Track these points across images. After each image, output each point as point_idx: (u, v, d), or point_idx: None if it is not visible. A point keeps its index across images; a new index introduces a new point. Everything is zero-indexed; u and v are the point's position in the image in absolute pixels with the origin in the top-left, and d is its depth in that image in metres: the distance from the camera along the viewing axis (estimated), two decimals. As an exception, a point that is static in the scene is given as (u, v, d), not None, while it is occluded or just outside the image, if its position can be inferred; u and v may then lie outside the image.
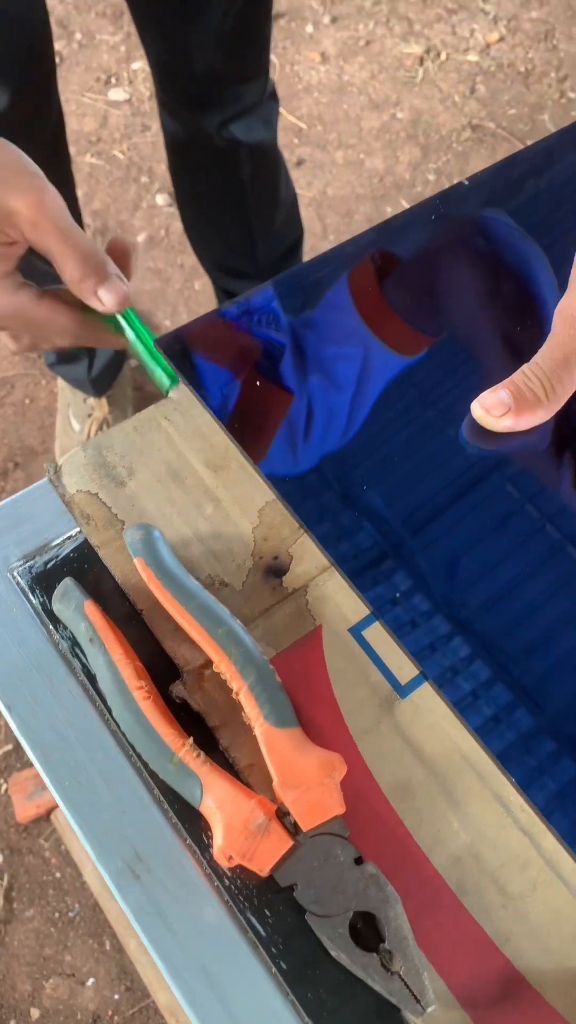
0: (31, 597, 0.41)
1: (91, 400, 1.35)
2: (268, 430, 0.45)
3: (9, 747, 1.19)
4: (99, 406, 1.34)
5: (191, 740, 0.36)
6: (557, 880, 0.36)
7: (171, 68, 0.99)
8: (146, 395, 1.42)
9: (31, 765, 1.17)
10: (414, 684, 0.39)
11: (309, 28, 1.93)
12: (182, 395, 0.45)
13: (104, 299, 0.46)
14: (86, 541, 0.42)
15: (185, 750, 0.35)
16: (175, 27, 0.92)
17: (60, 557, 0.42)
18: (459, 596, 0.40)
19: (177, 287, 1.59)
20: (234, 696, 0.37)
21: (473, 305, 0.49)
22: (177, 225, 1.63)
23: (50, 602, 0.40)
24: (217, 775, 0.35)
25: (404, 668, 0.39)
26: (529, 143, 1.67)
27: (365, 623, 0.40)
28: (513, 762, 0.37)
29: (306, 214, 1.65)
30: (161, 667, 0.39)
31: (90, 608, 0.38)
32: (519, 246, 0.52)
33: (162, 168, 1.71)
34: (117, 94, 1.80)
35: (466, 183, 0.53)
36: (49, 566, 0.42)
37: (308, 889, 0.34)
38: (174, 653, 0.39)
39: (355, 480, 0.43)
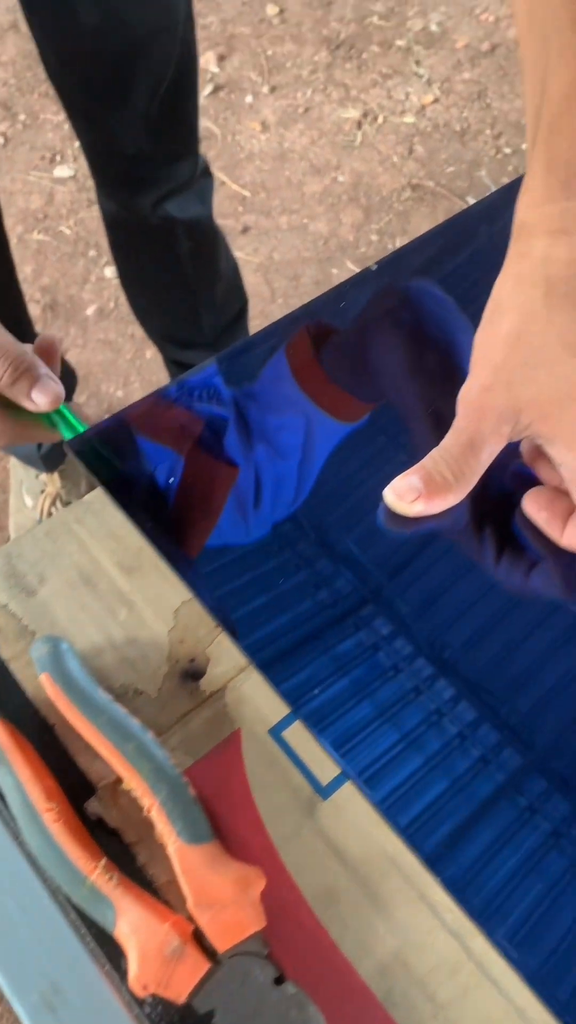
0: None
1: (43, 476, 1.34)
2: (216, 502, 0.45)
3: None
4: (52, 482, 1.33)
5: (103, 862, 0.35)
6: (488, 984, 0.35)
7: (102, 151, 1.01)
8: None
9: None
10: (336, 784, 0.38)
11: (249, 98, 1.97)
12: (95, 496, 0.45)
13: (37, 400, 0.47)
14: (-1, 653, 0.41)
15: (97, 873, 0.34)
16: (102, 112, 0.94)
17: (-27, 671, 0.41)
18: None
19: (128, 357, 1.60)
20: (146, 813, 0.36)
21: (402, 375, 0.50)
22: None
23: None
24: (131, 898, 0.34)
25: (325, 768, 0.39)
26: (469, 199, 1.70)
27: (285, 723, 0.39)
28: (442, 863, 0.36)
29: (254, 279, 1.68)
30: (78, 782, 0.38)
31: (-1, 727, 0.37)
32: (444, 316, 0.53)
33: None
34: (62, 171, 1.83)
35: (374, 268, 0.54)
36: (-38, 681, 0.41)
37: (227, 1015, 0.33)
38: (87, 769, 0.38)
39: (307, 546, 0.43)
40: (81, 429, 0.47)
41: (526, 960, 0.34)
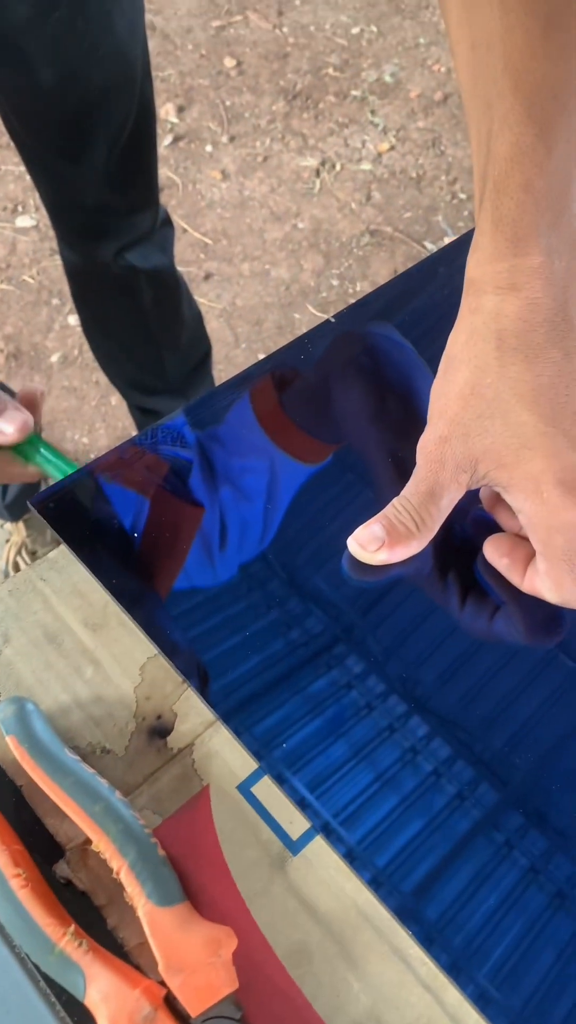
0: None
1: (8, 525, 1.33)
2: (182, 544, 0.45)
3: None
4: (17, 531, 1.33)
5: (72, 928, 0.34)
6: (463, 1037, 0.35)
7: (62, 204, 1.02)
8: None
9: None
10: (306, 839, 0.38)
11: (209, 148, 2.00)
12: (59, 553, 0.45)
13: (4, 430, 0.47)
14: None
15: (66, 940, 0.34)
16: (62, 167, 0.95)
17: None
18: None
19: (93, 404, 1.60)
20: (115, 876, 0.35)
21: (364, 419, 0.51)
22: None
23: None
24: (101, 964, 0.34)
25: (295, 823, 0.39)
26: (426, 243, 1.73)
27: (254, 779, 0.39)
28: (413, 914, 0.36)
29: (217, 325, 1.69)
30: (46, 844, 0.37)
31: (-36, 792, 0.37)
32: (402, 360, 0.54)
33: (72, 289, 1.74)
34: (24, 221, 1.84)
35: (332, 320, 0.55)
36: None
37: None
38: (56, 831, 0.37)
39: (275, 588, 0.43)
40: (54, 457, 0.48)
41: (508, 1000, 0.34)
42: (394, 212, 1.89)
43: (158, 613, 0.43)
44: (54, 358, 1.65)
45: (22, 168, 1.90)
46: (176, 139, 2.01)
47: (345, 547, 0.44)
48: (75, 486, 0.47)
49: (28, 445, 0.49)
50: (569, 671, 0.43)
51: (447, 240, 1.80)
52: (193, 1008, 0.33)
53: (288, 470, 0.48)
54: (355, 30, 2.26)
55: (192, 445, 0.49)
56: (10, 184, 1.90)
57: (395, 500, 0.43)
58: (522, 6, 0.37)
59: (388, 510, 0.43)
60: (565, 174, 0.39)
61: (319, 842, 0.38)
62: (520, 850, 0.38)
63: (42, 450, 0.49)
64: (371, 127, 2.06)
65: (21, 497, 1.31)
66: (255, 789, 0.39)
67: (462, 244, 0.42)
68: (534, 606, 0.43)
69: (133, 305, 1.14)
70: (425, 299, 0.57)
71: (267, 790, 0.39)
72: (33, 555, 1.34)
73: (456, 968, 0.35)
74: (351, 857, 0.37)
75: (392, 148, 2.02)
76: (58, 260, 1.77)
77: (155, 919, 0.34)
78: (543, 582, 0.41)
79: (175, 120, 2.04)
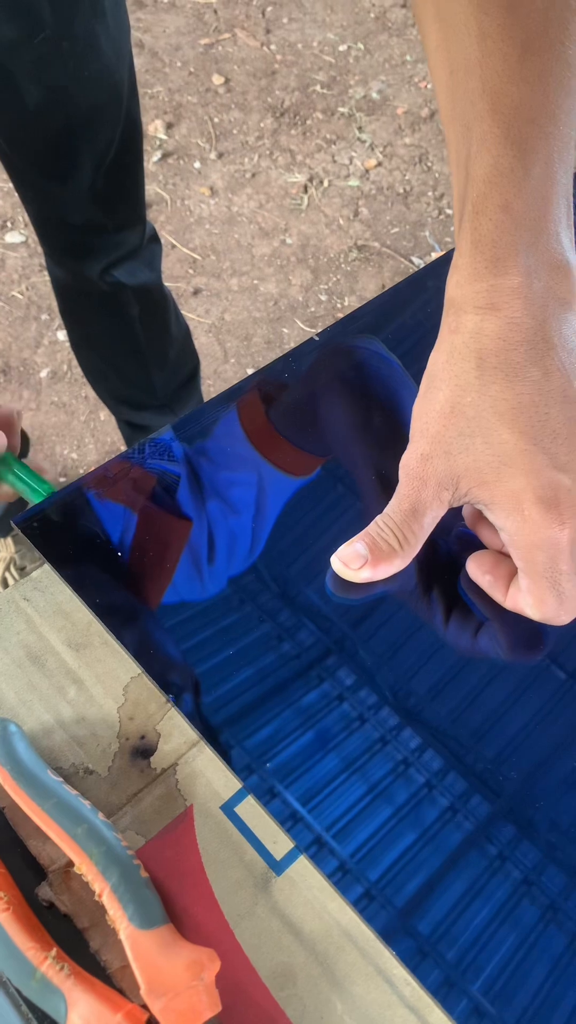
0: None
1: (-3, 542, 1.33)
2: (170, 560, 0.45)
3: None
4: (5, 547, 1.32)
5: (54, 952, 0.34)
6: (447, 1058, 0.35)
7: (49, 221, 1.03)
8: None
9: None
10: (290, 859, 0.38)
11: (197, 164, 2.01)
12: (43, 573, 0.45)
13: None
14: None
15: (48, 964, 0.34)
16: (49, 185, 0.96)
17: None
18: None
19: (82, 419, 1.60)
20: (97, 898, 0.35)
21: (350, 433, 0.51)
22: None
23: None
24: (83, 988, 0.33)
25: (279, 843, 0.38)
26: (414, 258, 1.75)
27: (237, 799, 0.39)
28: (400, 933, 0.36)
29: (206, 340, 1.70)
30: (28, 866, 0.37)
31: (-54, 814, 0.36)
32: (389, 375, 0.54)
33: (61, 305, 1.74)
34: (13, 237, 1.85)
35: (316, 338, 0.55)
36: None
37: None
38: (38, 853, 0.37)
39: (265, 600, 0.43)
40: (28, 477, 0.48)
41: (503, 1015, 0.34)
42: (382, 227, 1.91)
43: (143, 631, 0.43)
44: (43, 373, 1.65)
45: (10, 184, 1.90)
46: (164, 156, 2.02)
47: (329, 567, 0.44)
48: (59, 505, 0.47)
49: (1, 465, 0.49)
50: (560, 682, 0.43)
51: (434, 255, 1.82)
52: (175, 1032, 0.33)
53: (276, 483, 0.49)
54: (342, 47, 2.28)
55: (180, 460, 0.49)
56: (-1, 200, 1.91)
57: (378, 518, 0.44)
58: (499, 32, 0.38)
59: (371, 528, 0.43)
60: (543, 195, 0.40)
61: (303, 862, 0.38)
62: (513, 862, 0.38)
63: (16, 470, 0.49)
64: (358, 143, 2.07)
65: (8, 514, 1.31)
66: (239, 809, 0.39)
67: (449, 259, 0.43)
68: (517, 623, 0.44)
69: (121, 321, 1.14)
70: (413, 314, 0.58)
71: (251, 810, 0.39)
72: (22, 571, 1.33)
73: (449, 983, 0.35)
74: (344, 871, 0.37)
75: (379, 164, 2.03)
76: (47, 276, 1.78)
77: (137, 942, 0.34)
78: (525, 599, 0.41)
79: (163, 137, 2.05)
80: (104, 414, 1.59)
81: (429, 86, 2.18)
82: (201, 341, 1.66)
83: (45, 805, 0.36)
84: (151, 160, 1.99)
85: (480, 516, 0.45)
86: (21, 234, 1.85)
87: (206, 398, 1.42)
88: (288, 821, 0.38)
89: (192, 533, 0.46)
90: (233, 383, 0.53)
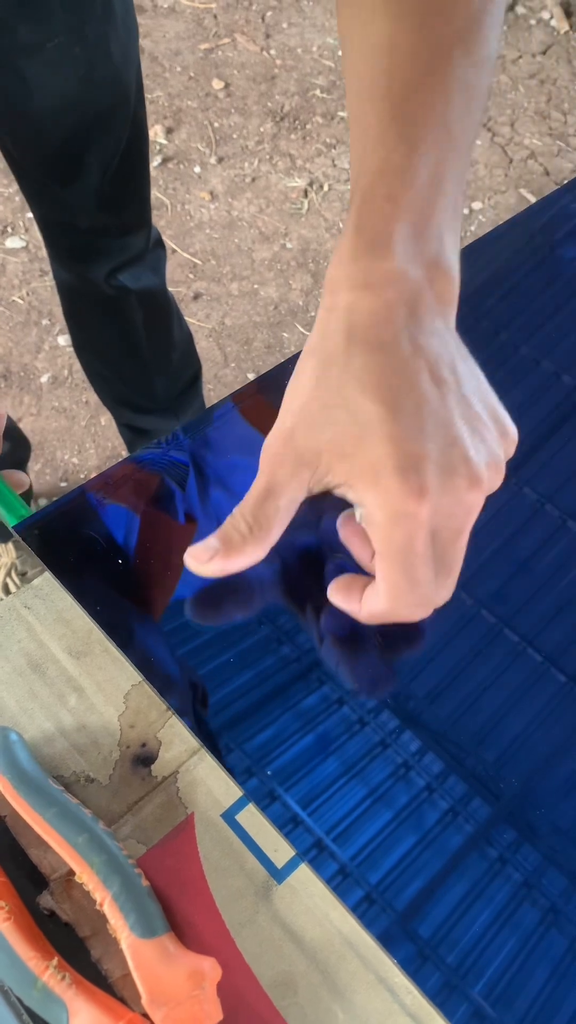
0: None
1: (-2, 547, 1.33)
2: (174, 564, 0.45)
3: None
4: (6, 552, 1.32)
5: (56, 961, 0.34)
6: (449, 1067, 0.34)
7: (56, 225, 1.03)
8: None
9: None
10: (291, 867, 0.38)
11: (197, 169, 2.02)
12: (43, 581, 0.45)
13: None
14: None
15: (49, 973, 0.33)
16: (56, 188, 0.96)
17: None
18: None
19: (83, 424, 1.61)
20: (98, 907, 0.35)
21: None
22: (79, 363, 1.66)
23: None
24: (84, 998, 0.33)
25: (280, 851, 0.38)
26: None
27: (238, 807, 0.39)
28: (400, 938, 0.36)
29: (206, 344, 1.70)
30: (30, 875, 0.37)
31: (-53, 823, 0.37)
32: None
33: (61, 311, 1.74)
34: (14, 242, 1.85)
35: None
36: None
37: None
38: (39, 862, 0.37)
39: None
40: (4, 495, 0.48)
41: (503, 1018, 0.34)
42: (382, 231, 1.91)
43: (146, 639, 0.43)
44: (44, 378, 1.65)
45: (11, 190, 1.91)
46: (165, 160, 2.03)
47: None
48: (60, 511, 0.47)
49: None
50: (560, 685, 0.43)
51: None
52: (177, 1041, 0.33)
53: None
54: (341, 52, 2.28)
55: (184, 463, 0.49)
56: (-1, 205, 1.91)
57: (235, 508, 0.42)
58: (409, 47, 0.42)
59: (226, 521, 0.42)
60: (429, 196, 0.40)
61: (304, 870, 0.38)
62: (513, 865, 0.38)
63: None
64: (358, 148, 2.07)
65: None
66: (240, 817, 0.39)
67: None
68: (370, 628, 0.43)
69: (125, 325, 1.14)
70: None
71: (252, 818, 0.39)
72: (23, 576, 1.33)
73: (450, 986, 0.35)
74: (344, 874, 0.37)
75: (379, 168, 2.03)
76: (48, 281, 1.78)
77: (138, 951, 0.34)
78: (376, 588, 0.39)
79: (164, 141, 2.06)
80: (105, 419, 1.59)
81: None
82: (201, 345, 1.66)
83: (46, 814, 0.36)
84: (151, 165, 1.99)
85: (352, 528, 0.43)
86: (21, 239, 1.85)
87: (208, 403, 1.42)
88: (288, 825, 0.38)
89: (198, 536, 0.46)
90: (233, 388, 0.53)
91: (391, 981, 0.36)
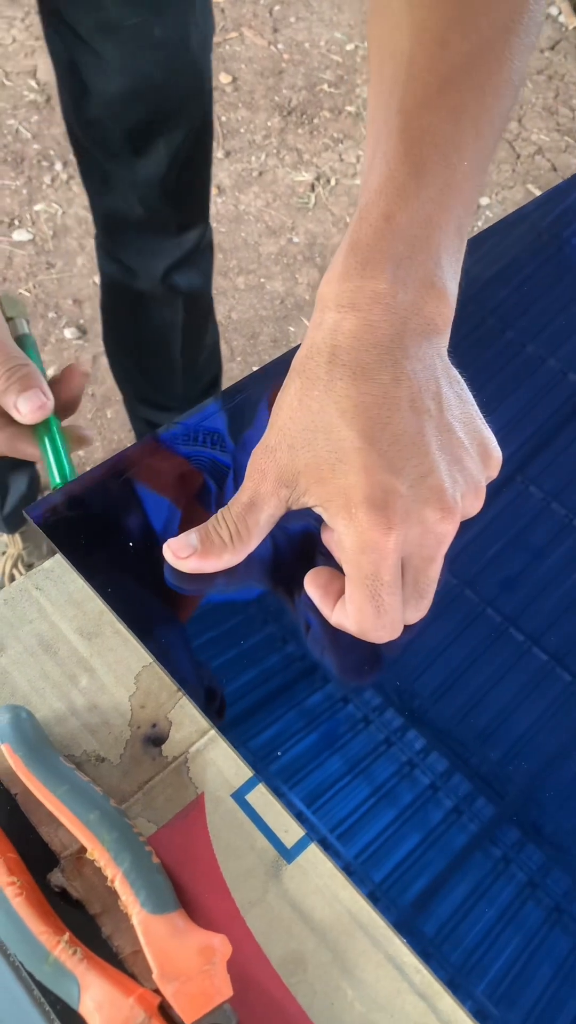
0: None
1: (5, 537, 1.33)
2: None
3: None
4: (13, 543, 1.33)
5: (67, 936, 0.34)
6: (457, 1045, 0.35)
7: (115, 214, 1.01)
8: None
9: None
10: (300, 846, 0.38)
11: (204, 163, 2.02)
12: (55, 563, 0.45)
13: (21, 408, 0.47)
14: (-41, 724, 0.41)
15: (61, 948, 0.34)
16: (119, 174, 0.95)
17: None
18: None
19: (89, 416, 1.61)
20: (109, 884, 0.35)
21: None
22: (86, 356, 1.66)
23: None
24: (96, 972, 0.33)
25: (290, 831, 0.39)
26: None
27: (248, 787, 0.39)
28: (411, 926, 0.36)
29: (212, 338, 1.70)
30: (41, 852, 0.37)
31: (-41, 800, 0.37)
32: None
33: (68, 303, 1.74)
34: (21, 235, 1.85)
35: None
36: None
37: None
38: (50, 839, 0.37)
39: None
40: (55, 455, 0.48)
41: (507, 1017, 0.34)
42: (389, 226, 1.91)
43: (156, 623, 0.43)
44: (50, 371, 1.65)
45: (18, 183, 1.91)
46: (172, 154, 2.02)
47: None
48: (72, 494, 0.47)
49: (42, 428, 0.49)
50: (566, 684, 0.43)
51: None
52: (187, 1016, 0.33)
53: None
54: (349, 47, 2.28)
55: (230, 451, 0.49)
56: (6, 198, 1.91)
57: (220, 510, 0.43)
58: (427, 62, 0.40)
59: (210, 520, 0.43)
60: (430, 218, 0.40)
61: (313, 850, 0.38)
62: (517, 864, 0.38)
63: (47, 442, 0.48)
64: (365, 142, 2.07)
65: (18, 509, 1.31)
66: (250, 797, 0.39)
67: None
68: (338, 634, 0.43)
69: (164, 326, 1.13)
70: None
71: (262, 798, 0.39)
72: (29, 567, 1.34)
73: (454, 984, 0.35)
74: (348, 871, 0.37)
75: (386, 163, 2.03)
76: (54, 273, 1.78)
77: (149, 927, 0.34)
78: (346, 608, 0.41)
79: (171, 135, 2.06)
80: (111, 412, 1.60)
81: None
82: (208, 339, 1.66)
83: (58, 791, 0.36)
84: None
85: (330, 535, 0.44)
86: (28, 232, 1.85)
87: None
88: (295, 820, 0.38)
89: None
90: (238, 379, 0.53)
91: (400, 960, 0.36)
